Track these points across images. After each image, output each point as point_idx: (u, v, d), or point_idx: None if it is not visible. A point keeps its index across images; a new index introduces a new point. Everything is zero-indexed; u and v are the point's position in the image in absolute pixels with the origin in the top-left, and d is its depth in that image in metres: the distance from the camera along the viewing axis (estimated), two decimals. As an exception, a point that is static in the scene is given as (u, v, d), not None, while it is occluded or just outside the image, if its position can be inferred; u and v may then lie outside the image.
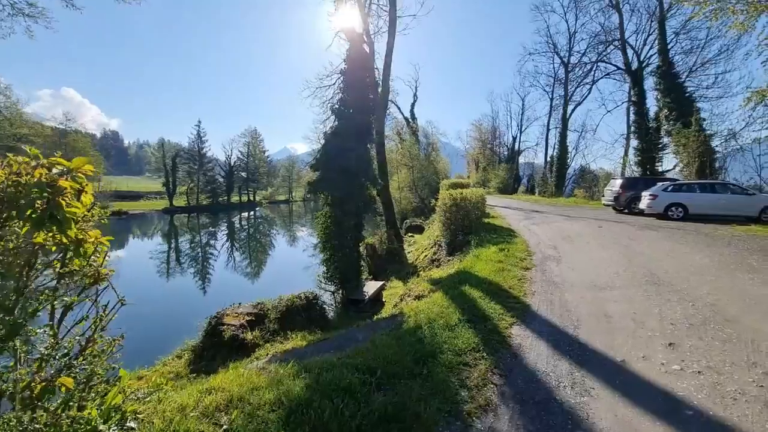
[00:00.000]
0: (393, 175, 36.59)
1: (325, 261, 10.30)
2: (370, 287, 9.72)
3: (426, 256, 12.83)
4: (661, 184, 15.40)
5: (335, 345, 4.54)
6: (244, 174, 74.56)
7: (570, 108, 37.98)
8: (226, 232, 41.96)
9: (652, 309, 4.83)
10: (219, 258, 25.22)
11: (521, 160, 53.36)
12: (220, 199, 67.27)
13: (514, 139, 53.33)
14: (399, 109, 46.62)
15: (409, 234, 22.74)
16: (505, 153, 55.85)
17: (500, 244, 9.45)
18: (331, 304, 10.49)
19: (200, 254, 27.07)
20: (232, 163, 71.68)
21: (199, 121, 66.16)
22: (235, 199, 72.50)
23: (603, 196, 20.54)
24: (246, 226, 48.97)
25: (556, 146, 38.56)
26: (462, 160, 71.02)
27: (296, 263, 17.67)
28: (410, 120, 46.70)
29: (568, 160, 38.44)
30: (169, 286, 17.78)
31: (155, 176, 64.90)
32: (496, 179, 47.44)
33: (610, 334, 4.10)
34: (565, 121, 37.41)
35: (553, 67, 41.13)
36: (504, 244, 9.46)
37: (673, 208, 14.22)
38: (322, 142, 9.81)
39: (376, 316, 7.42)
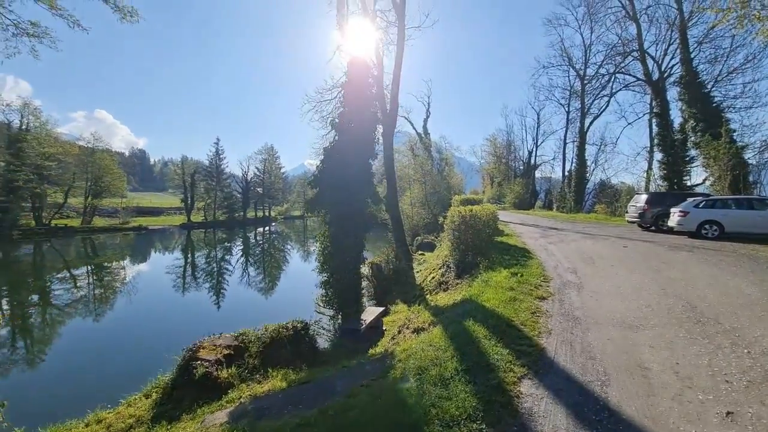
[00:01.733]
0: (405, 191, 36.10)
1: (323, 283, 9.66)
2: (369, 314, 8.96)
3: (434, 277, 11.99)
4: (692, 199, 14.20)
5: (311, 394, 3.84)
6: (260, 190, 75.72)
7: (587, 121, 36.79)
8: (241, 247, 42.03)
9: (700, 358, 3.91)
10: (231, 274, 24.99)
11: (537, 174, 51.96)
12: (237, 214, 68.29)
13: (530, 153, 52.14)
14: (412, 124, 46.52)
15: (420, 252, 21.88)
16: (521, 168, 54.58)
17: (513, 267, 8.57)
18: (329, 330, 9.78)
19: (213, 270, 26.92)
20: (249, 180, 73.02)
21: (218, 139, 68.18)
22: (251, 214, 73.52)
23: (626, 212, 19.26)
24: (261, 242, 49.10)
25: (574, 160, 37.23)
26: (477, 175, 69.99)
27: (307, 281, 17.01)
28: (423, 135, 46.42)
29: (587, 175, 36.98)
30: (175, 303, 17.45)
31: (177, 192, 66.72)
32: (511, 194, 46.13)
33: (650, 397, 3.23)
34: (582, 134, 36.18)
35: (569, 80, 40.27)
36: (517, 267, 8.57)
37: (707, 226, 12.99)
38: (322, 157, 9.37)
39: (371, 350, 6.65)
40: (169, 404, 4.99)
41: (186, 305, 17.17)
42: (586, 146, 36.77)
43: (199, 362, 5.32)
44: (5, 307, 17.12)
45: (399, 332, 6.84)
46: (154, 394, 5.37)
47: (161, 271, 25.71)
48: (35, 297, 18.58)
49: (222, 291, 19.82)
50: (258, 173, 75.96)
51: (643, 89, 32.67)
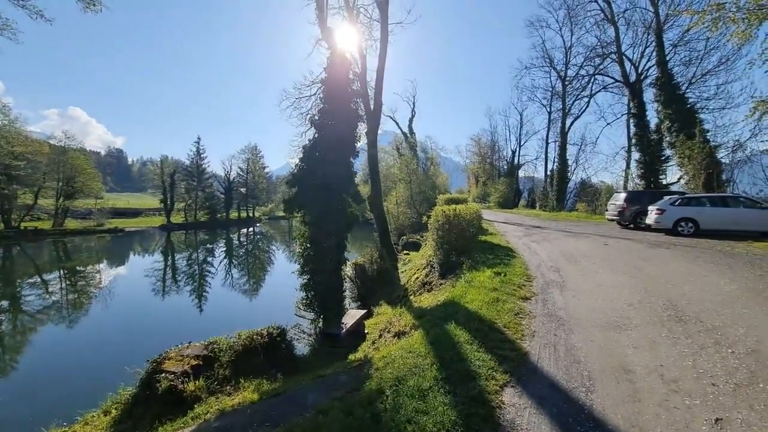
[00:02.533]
0: (391, 190, 35.96)
1: (303, 286, 9.32)
2: (351, 317, 8.68)
3: (417, 278, 11.81)
4: (668, 197, 14.53)
5: (280, 409, 3.55)
6: (243, 190, 74.10)
7: (569, 121, 37.48)
8: (223, 249, 40.92)
9: (684, 359, 3.82)
10: (213, 277, 24.17)
11: (521, 174, 52.68)
12: (219, 215, 66.59)
13: (514, 153, 52.82)
14: (397, 124, 46.52)
15: (405, 252, 21.73)
16: (505, 167, 55.24)
17: (497, 266, 8.46)
18: (310, 334, 9.45)
19: (193, 273, 26.01)
20: (232, 180, 71.37)
21: (199, 138, 66.35)
22: (234, 215, 71.86)
23: (606, 210, 19.63)
24: (244, 243, 48.02)
25: (556, 160, 37.89)
26: (462, 174, 70.64)
27: (291, 282, 16.49)
28: (408, 135, 46.44)
29: (569, 174, 37.69)
30: (151, 308, 16.68)
31: (156, 193, 64.51)
32: (496, 193, 46.65)
33: (636, 403, 3.08)
34: (564, 134, 36.85)
35: (550, 81, 40.92)
36: (501, 266, 8.47)
37: (683, 224, 13.32)
38: (301, 156, 9.02)
39: (350, 356, 6.38)
40: (129, 422, 4.60)
41: (163, 311, 16.44)
42: (568, 146, 37.46)
43: (163, 375, 4.93)
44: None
45: (380, 336, 6.60)
46: (113, 410, 4.95)
47: (138, 274, 24.66)
48: (5, 303, 17.48)
49: (203, 294, 19.11)
50: (241, 173, 74.35)
51: (621, 90, 33.49)
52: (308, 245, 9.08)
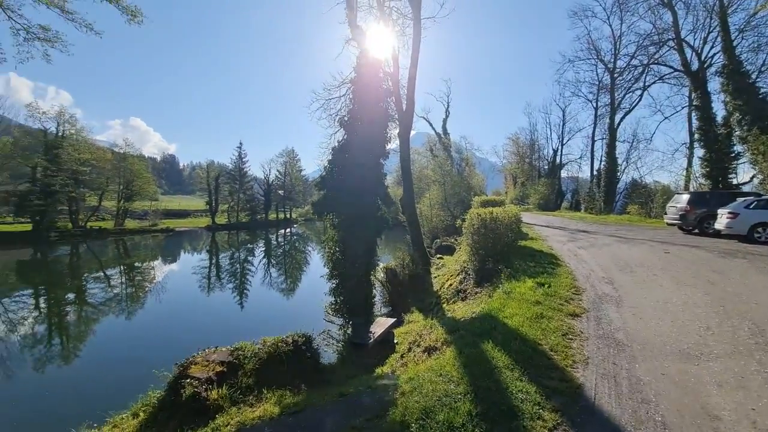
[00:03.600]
0: (424, 192, 35.30)
1: (332, 291, 9.14)
2: (379, 325, 8.31)
3: (451, 284, 11.20)
4: (742, 199, 12.75)
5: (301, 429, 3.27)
6: (281, 192, 76.85)
7: (618, 117, 34.59)
8: (262, 249, 42.62)
9: (790, 406, 3.03)
10: (253, 275, 25.28)
11: (564, 174, 49.61)
12: (259, 216, 69.62)
13: (555, 152, 49.91)
14: (431, 124, 45.77)
15: (439, 255, 21.04)
16: (546, 167, 52.38)
17: (539, 276, 7.70)
18: (338, 340, 9.23)
19: (235, 271, 27.27)
20: (270, 182, 74.31)
21: (241, 143, 69.82)
22: (272, 216, 74.73)
23: (665, 213, 17.72)
24: (282, 243, 49.67)
25: (604, 158, 35.13)
26: (499, 175, 68.10)
27: (324, 285, 16.67)
28: (442, 135, 45.51)
29: (618, 173, 34.79)
30: (196, 305, 17.55)
31: (204, 195, 68.90)
32: (535, 195, 44.24)
33: (731, 467, 2.42)
34: (612, 131, 34.07)
35: (597, 74, 38.11)
36: (544, 276, 7.70)
37: (760, 229, 11.66)
38: (330, 158, 8.86)
39: (378, 369, 6.03)
40: (154, 427, 4.59)
41: (204, 308, 17.20)
42: (617, 143, 34.61)
43: (188, 381, 4.89)
44: (42, 305, 17.82)
45: (409, 350, 6.18)
46: (141, 413, 4.99)
47: (186, 272, 26.34)
48: (71, 296, 19.32)
49: (243, 293, 19.92)
50: (279, 176, 77.17)
51: (680, 81, 30.35)
52: (337, 249, 8.89)
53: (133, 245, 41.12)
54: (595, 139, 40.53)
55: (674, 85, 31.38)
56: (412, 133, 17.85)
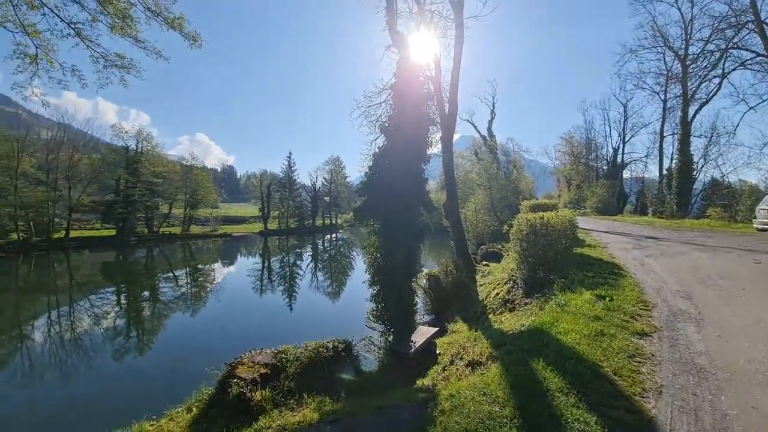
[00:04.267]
0: (469, 197, 34.27)
1: (374, 297, 9.10)
2: (420, 335, 8.05)
3: (498, 294, 10.59)
4: None
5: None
6: (327, 199, 79.63)
7: (692, 109, 30.67)
8: (310, 254, 44.44)
9: None
10: (301, 278, 26.46)
11: (626, 174, 45.21)
12: (306, 222, 72.81)
13: (615, 150, 45.71)
14: (475, 127, 44.51)
15: (485, 263, 20.18)
16: (605, 168, 48.21)
17: (599, 287, 6.96)
18: (380, 347, 9.13)
19: (285, 274, 28.69)
20: (317, 189, 77.39)
21: (290, 153, 73.94)
22: (319, 222, 77.66)
23: (754, 217, 15.30)
24: (328, 248, 51.24)
25: (675, 156, 31.38)
26: (550, 178, 64.17)
27: (365, 291, 16.96)
28: (488, 138, 44.00)
29: (694, 172, 30.82)
30: (250, 306, 18.75)
31: (257, 202, 73.76)
32: (593, 198, 40.80)
33: None
34: (685, 124, 30.31)
35: (665, 63, 34.21)
36: (605, 288, 6.94)
37: None
38: (370, 164, 8.89)
39: (418, 381, 5.81)
40: (205, 423, 4.84)
41: (256, 309, 18.24)
42: (691, 138, 30.68)
43: (235, 380, 5.10)
44: (123, 301, 20.19)
45: (452, 362, 5.88)
46: (194, 408, 5.30)
47: (241, 273, 28.40)
48: (146, 293, 21.69)
49: (292, 295, 20.89)
50: (325, 183, 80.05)
51: (764, 66, 26.17)
52: (378, 255, 8.85)
53: (197, 249, 45.06)
54: (665, 134, 36.40)
55: (758, 71, 27.14)
56: (456, 136, 17.42)
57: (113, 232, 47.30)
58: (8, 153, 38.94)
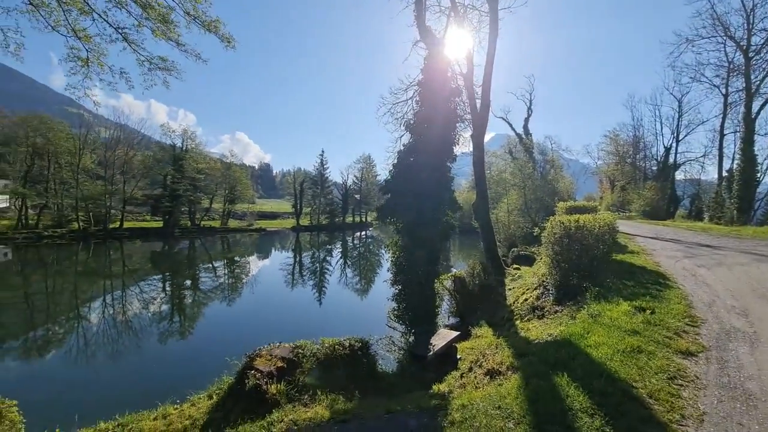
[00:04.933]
0: (502, 198, 33.06)
1: (395, 297, 8.98)
2: (441, 338, 7.79)
3: (527, 299, 10.06)
4: None
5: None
6: (357, 196, 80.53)
7: (756, 104, 27.47)
8: (340, 250, 45.28)
9: None
10: (330, 274, 27.04)
11: (679, 176, 41.50)
12: (337, 219, 74.16)
13: (667, 149, 42.08)
14: (510, 125, 42.80)
15: (515, 266, 19.36)
16: (654, 168, 44.60)
17: (639, 298, 6.37)
18: (401, 349, 9.00)
19: (315, 269, 29.46)
20: (348, 187, 78.48)
21: (323, 151, 75.51)
22: (349, 219, 78.78)
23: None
24: (357, 245, 51.89)
25: (737, 156, 28.31)
26: (592, 179, 60.43)
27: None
28: (523, 136, 42.15)
29: (758, 175, 27.63)
30: (279, 298, 19.48)
31: (291, 199, 76.42)
32: (640, 200, 37.85)
33: None
34: (749, 121, 27.18)
35: (725, 54, 30.84)
36: (645, 299, 6.34)
37: None
38: (395, 161, 8.76)
39: (435, 386, 5.61)
40: (222, 411, 4.99)
41: (286, 300, 18.88)
42: (756, 137, 27.49)
43: (252, 372, 5.22)
44: (167, 288, 21.69)
45: (470, 369, 5.63)
46: (215, 396, 5.50)
47: (275, 267, 29.62)
48: (188, 282, 23.17)
49: (321, 290, 21.42)
50: (356, 181, 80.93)
51: None
52: (401, 254, 8.71)
53: (234, 242, 47.38)
54: (725, 132, 32.94)
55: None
56: (490, 135, 16.83)
57: (161, 224, 50.94)
58: (71, 150, 43.08)
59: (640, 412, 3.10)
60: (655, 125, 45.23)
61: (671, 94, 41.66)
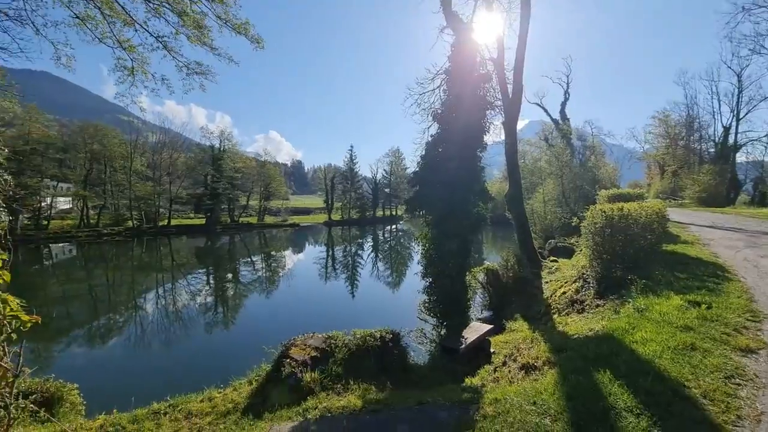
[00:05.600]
0: (537, 187, 31.66)
1: (426, 289, 8.92)
2: (473, 331, 7.63)
3: (565, 293, 9.59)
4: None
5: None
6: (387, 190, 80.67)
7: None
8: (371, 244, 45.84)
9: None
10: (363, 267, 27.48)
11: (740, 158, 37.43)
12: (367, 213, 74.91)
13: (727, 129, 38.04)
14: (546, 111, 40.74)
15: (553, 258, 18.55)
16: (711, 150, 40.59)
17: (692, 292, 5.85)
18: (432, 341, 8.96)
19: (347, 263, 30.04)
20: (378, 181, 78.79)
21: (351, 146, 76.38)
22: (379, 213, 79.24)
23: None
24: (388, 239, 52.18)
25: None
26: (638, 164, 56.24)
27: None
28: (560, 122, 39.95)
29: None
30: (315, 289, 20.15)
31: (322, 194, 78.24)
32: (694, 186, 34.65)
33: None
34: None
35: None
36: (701, 292, 5.81)
37: None
38: (422, 153, 8.62)
39: (467, 379, 5.53)
40: (261, 396, 5.24)
41: (319, 294, 19.44)
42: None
43: (288, 360, 5.43)
44: (211, 281, 23.15)
45: (504, 363, 5.47)
46: (254, 382, 5.79)
47: (309, 260, 30.59)
48: (229, 275, 24.58)
49: (354, 282, 21.90)
50: (386, 174, 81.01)
51: None
52: (431, 247, 8.62)
53: (270, 237, 49.37)
54: (799, 107, 29.17)
55: None
56: (523, 122, 16.12)
57: (203, 221, 54.20)
58: (124, 154, 46.83)
59: (691, 413, 2.85)
60: (712, 103, 41.01)
61: (729, 67, 37.43)
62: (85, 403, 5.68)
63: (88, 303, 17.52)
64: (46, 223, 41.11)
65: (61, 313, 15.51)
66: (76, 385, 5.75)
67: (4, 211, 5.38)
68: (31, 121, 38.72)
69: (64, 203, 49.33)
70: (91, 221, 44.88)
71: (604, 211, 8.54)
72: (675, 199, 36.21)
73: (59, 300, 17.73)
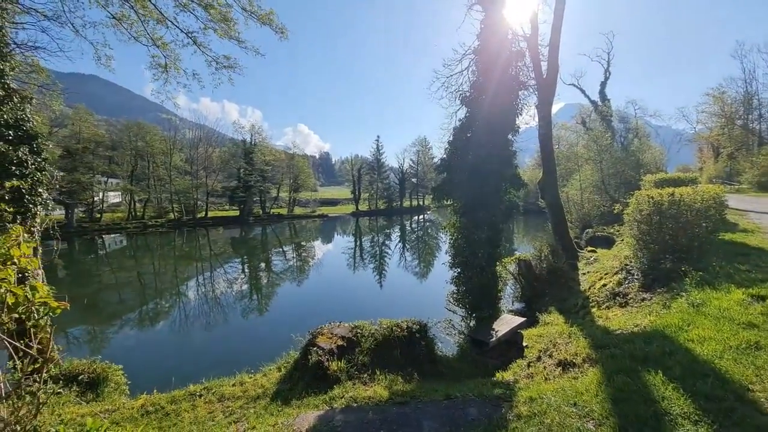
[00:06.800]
0: (573, 174, 29.94)
1: (454, 280, 8.67)
2: (504, 324, 7.31)
3: (605, 285, 8.97)
4: None
5: (392, 429, 3.11)
6: (414, 180, 79.90)
7: None
8: (398, 234, 45.83)
9: None
10: (390, 257, 27.50)
11: (814, 136, 33.20)
12: (394, 203, 74.77)
13: (797, 105, 33.78)
14: (583, 92, 38.18)
15: (590, 248, 17.53)
16: (776, 128, 36.36)
17: (756, 285, 5.22)
18: (461, 332, 8.73)
19: (375, 253, 30.24)
20: (404, 171, 78.16)
21: (378, 137, 75.94)
22: (406, 203, 78.80)
23: None
24: (416, 229, 51.91)
25: None
26: (688, 147, 51.78)
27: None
28: (599, 103, 37.29)
29: None
30: (345, 278, 20.54)
31: (349, 185, 78.92)
32: (753, 170, 31.29)
33: None
34: None
35: None
36: (766, 285, 5.17)
37: None
38: (451, 138, 8.26)
39: (498, 374, 5.29)
40: (289, 383, 5.33)
41: (346, 283, 19.69)
42: None
43: (315, 349, 5.46)
44: (246, 270, 24.17)
45: (539, 359, 5.17)
46: (282, 369, 5.92)
47: (337, 251, 31.08)
48: (262, 264, 25.55)
49: (382, 272, 22.03)
50: (412, 164, 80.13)
51: None
52: (459, 236, 8.33)
53: (300, 228, 50.66)
54: None
55: None
56: (558, 106, 15.13)
57: (237, 213, 56.55)
58: (164, 150, 49.56)
59: (757, 420, 2.50)
60: (778, 75, 36.29)
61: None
62: (129, 383, 6.07)
63: (137, 289, 18.85)
64: (99, 216, 44.63)
65: (114, 298, 16.81)
66: (120, 366, 6.15)
67: (54, 205, 5.73)
68: (80, 121, 41.79)
69: (114, 197, 53.24)
70: (138, 214, 48.15)
71: (652, 197, 7.84)
72: (731, 184, 32.98)
73: (113, 286, 19.24)
